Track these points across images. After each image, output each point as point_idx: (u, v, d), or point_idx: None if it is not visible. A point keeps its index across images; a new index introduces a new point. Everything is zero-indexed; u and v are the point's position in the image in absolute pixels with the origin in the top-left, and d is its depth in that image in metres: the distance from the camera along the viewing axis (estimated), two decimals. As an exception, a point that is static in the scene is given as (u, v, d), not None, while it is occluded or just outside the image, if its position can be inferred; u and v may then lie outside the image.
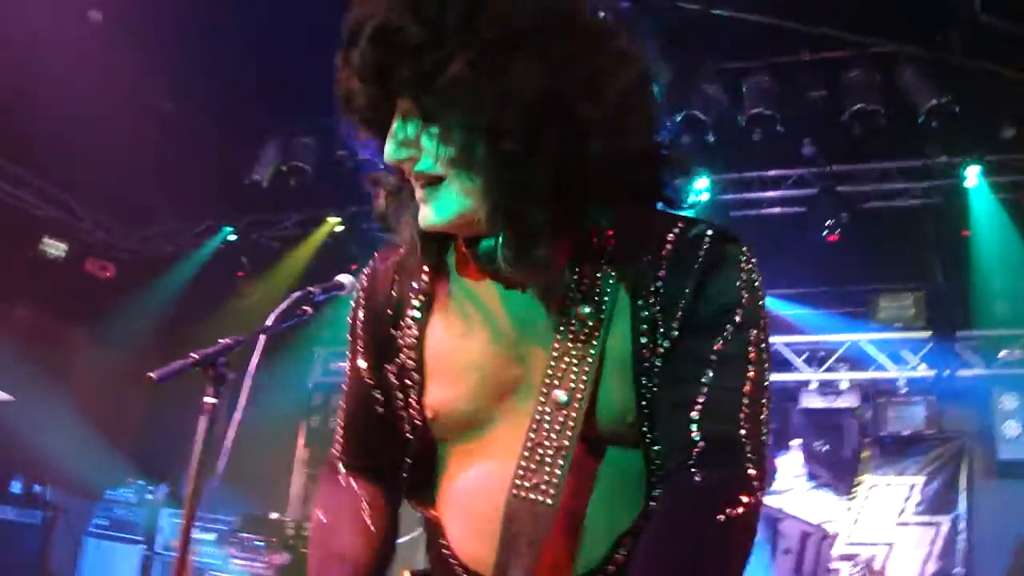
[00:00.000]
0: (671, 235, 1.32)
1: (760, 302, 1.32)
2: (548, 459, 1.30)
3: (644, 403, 1.31)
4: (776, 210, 7.23)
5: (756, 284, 1.32)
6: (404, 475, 1.50)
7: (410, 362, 1.43)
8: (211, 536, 7.55)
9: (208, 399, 2.09)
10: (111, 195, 8.11)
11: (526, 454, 1.31)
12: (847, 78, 6.21)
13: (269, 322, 2.23)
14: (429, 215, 1.30)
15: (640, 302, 1.31)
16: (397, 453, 1.50)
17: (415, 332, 1.43)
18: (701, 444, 1.24)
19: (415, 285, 1.45)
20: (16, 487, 7.55)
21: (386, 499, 1.58)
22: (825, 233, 6.74)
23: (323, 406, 8.60)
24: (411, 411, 1.45)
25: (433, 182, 1.28)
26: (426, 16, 1.17)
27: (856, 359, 7.34)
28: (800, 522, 5.62)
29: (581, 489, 1.33)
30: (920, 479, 7.13)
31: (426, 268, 1.44)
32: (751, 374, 1.28)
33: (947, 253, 6.80)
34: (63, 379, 7.36)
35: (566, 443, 1.29)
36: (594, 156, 1.23)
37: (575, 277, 1.33)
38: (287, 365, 8.52)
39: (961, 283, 6.61)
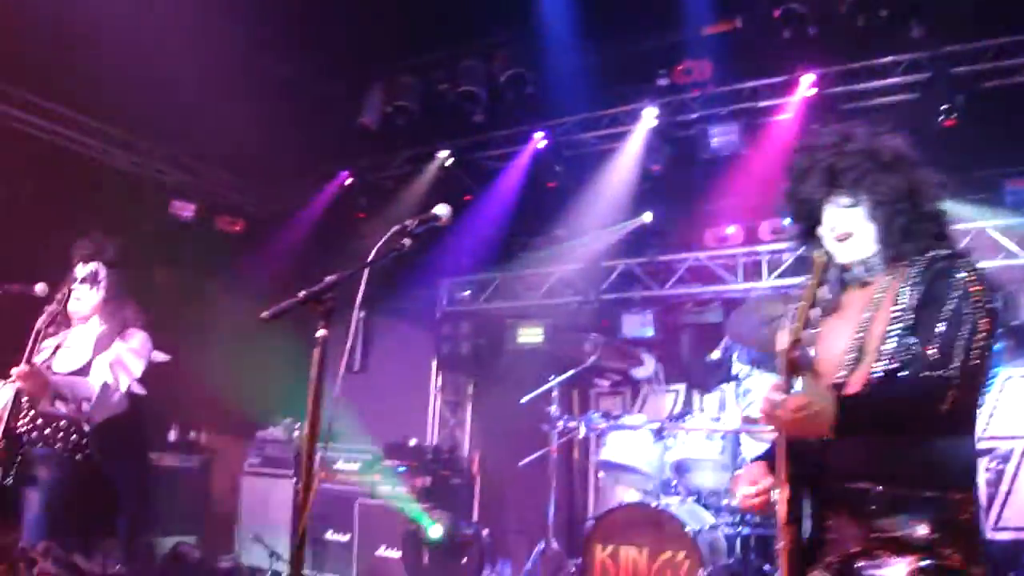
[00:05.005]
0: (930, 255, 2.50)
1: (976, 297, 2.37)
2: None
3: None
4: (888, 99, 6.95)
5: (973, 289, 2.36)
6: None
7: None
8: (356, 465, 8.03)
9: (320, 332, 2.32)
10: (233, 156, 8.54)
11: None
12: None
13: (370, 257, 2.43)
14: (846, 254, 2.56)
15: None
16: None
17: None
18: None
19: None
20: (172, 435, 8.18)
21: None
22: (941, 119, 6.45)
23: (452, 335, 8.89)
24: None
25: (848, 237, 2.55)
26: (861, 153, 2.55)
27: (984, 246, 7.03)
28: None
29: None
30: (1060, 367, 6.85)
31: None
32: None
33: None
34: (209, 331, 7.83)
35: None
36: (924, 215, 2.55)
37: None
38: (415, 298, 8.84)
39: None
